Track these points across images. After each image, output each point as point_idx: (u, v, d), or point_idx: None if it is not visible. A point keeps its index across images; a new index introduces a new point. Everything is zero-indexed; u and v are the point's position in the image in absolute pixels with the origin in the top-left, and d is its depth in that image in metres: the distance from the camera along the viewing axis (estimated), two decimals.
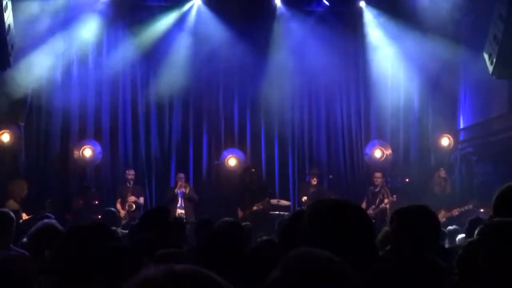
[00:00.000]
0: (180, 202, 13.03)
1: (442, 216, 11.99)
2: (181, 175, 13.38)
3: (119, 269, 2.33)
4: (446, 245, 7.40)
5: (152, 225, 5.10)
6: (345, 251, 1.98)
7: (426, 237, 3.48)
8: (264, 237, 5.12)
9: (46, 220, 5.12)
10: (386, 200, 12.51)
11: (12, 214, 5.62)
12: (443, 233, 7.35)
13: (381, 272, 2.71)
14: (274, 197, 13.20)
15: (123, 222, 11.93)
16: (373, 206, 12.58)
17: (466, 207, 12.03)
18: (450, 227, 8.84)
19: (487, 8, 11.34)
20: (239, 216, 12.59)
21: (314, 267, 1.81)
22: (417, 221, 3.52)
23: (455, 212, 12.02)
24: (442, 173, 13.25)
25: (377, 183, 12.95)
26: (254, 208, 12.56)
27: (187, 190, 13.10)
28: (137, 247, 4.68)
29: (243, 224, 7.18)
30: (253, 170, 13.11)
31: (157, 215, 5.37)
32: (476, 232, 5.67)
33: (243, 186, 12.97)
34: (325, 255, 1.87)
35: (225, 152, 14.25)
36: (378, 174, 13.08)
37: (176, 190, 13.05)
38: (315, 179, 13.38)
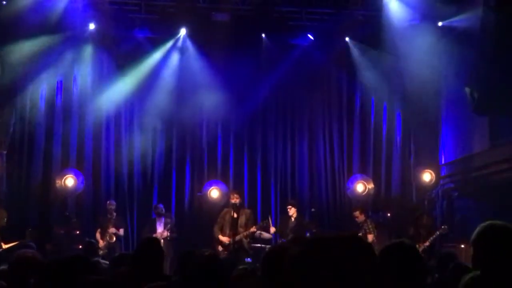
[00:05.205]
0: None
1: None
2: (160, 206, 13.15)
3: None
4: None
5: (145, 258, 5.06)
6: None
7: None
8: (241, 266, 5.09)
9: (26, 250, 5.06)
10: (369, 236, 12.22)
11: None
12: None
13: None
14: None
15: (101, 252, 11.84)
16: None
17: (434, 235, 11.77)
18: None
19: (468, 45, 11.48)
20: (223, 243, 12.26)
21: None
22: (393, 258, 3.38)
23: (426, 243, 11.78)
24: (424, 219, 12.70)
25: (358, 221, 12.44)
26: (252, 230, 12.18)
27: (169, 234, 12.71)
28: (119, 280, 4.65)
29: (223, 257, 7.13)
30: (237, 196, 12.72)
31: (150, 247, 5.29)
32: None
33: (227, 212, 12.61)
34: None
35: (207, 184, 14.23)
36: (356, 213, 12.52)
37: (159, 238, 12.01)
38: (290, 207, 12.78)
